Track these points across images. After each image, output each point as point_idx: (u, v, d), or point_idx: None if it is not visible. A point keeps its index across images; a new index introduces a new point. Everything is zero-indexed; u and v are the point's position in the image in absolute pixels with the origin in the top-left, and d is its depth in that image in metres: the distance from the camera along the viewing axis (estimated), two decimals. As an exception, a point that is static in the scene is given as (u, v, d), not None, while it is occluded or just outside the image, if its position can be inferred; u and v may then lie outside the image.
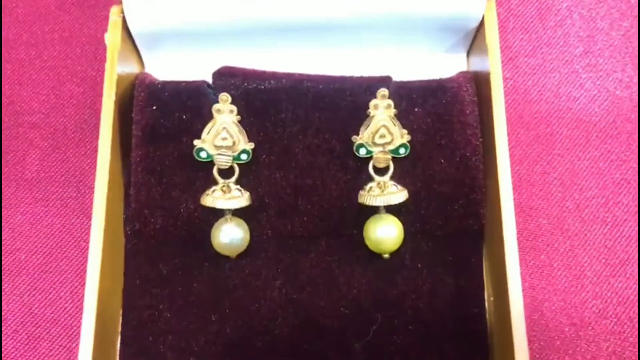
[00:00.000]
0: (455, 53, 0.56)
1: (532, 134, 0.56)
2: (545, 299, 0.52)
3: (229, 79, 0.49)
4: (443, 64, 0.55)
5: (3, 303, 0.52)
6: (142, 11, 0.51)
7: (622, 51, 0.58)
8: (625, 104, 0.56)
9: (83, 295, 0.51)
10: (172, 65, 0.55)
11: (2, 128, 0.57)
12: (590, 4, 0.60)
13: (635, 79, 0.57)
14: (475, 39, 0.54)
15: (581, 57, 0.58)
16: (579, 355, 0.50)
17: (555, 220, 0.54)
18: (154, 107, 0.48)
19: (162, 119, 0.48)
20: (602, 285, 0.52)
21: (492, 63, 0.49)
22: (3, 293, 0.52)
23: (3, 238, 0.54)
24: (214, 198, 0.47)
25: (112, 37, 0.50)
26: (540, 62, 0.58)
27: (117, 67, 0.49)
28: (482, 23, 0.52)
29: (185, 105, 0.48)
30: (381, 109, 0.47)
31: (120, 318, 0.49)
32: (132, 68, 0.54)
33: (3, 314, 0.52)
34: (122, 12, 0.51)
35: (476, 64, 0.54)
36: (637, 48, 0.58)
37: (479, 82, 0.51)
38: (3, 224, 0.54)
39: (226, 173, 0.48)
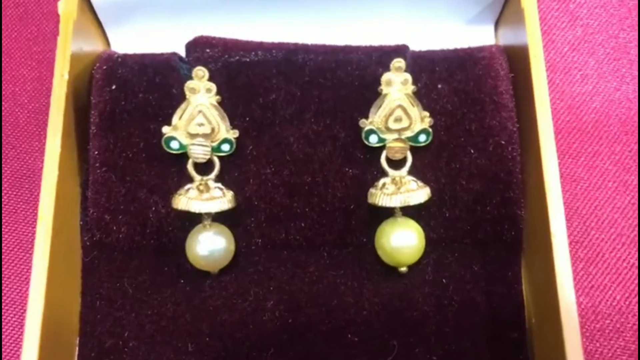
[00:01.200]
0: (481, 24, 0.47)
1: (575, 120, 0.47)
2: (597, 320, 0.42)
3: (206, 50, 0.40)
4: (467, 36, 0.46)
5: None
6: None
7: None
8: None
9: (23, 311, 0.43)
10: (142, 42, 0.46)
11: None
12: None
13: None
14: (505, 7, 0.45)
15: (630, 28, 0.49)
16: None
17: (605, 224, 0.44)
18: (114, 87, 0.40)
19: (123, 100, 0.40)
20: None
21: (529, 31, 0.41)
22: None
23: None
24: (188, 199, 0.38)
25: (67, 6, 0.42)
26: (581, 35, 0.49)
27: (71, 41, 0.41)
28: (514, -14, 0.43)
29: (151, 83, 0.40)
30: (396, 86, 0.38)
31: (77, 349, 0.40)
32: (96, 47, 0.45)
33: None
34: (79, -24, 0.42)
35: (507, 37, 0.45)
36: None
37: (513, 58, 0.43)
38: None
39: (204, 168, 0.39)
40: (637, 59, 0.49)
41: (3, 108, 0.49)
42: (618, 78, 0.48)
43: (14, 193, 0.47)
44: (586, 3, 0.51)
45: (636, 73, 0.48)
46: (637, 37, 0.50)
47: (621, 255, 0.44)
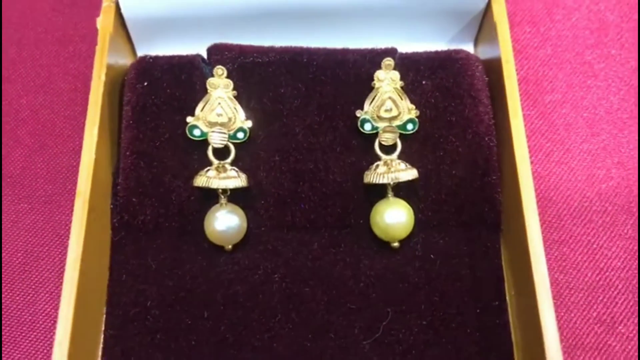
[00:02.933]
0: (462, 43, 0.54)
1: (547, 123, 0.53)
2: (570, 294, 0.47)
3: (225, 53, 0.47)
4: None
5: (-23, 305, 0.48)
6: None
7: (634, 43, 0.56)
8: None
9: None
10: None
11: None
12: None
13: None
14: (481, 25, 0.52)
15: (592, 48, 0.56)
16: (611, 354, 0.45)
17: (575, 211, 0.50)
18: (145, 84, 0.46)
19: (153, 95, 0.46)
20: (631, 280, 0.47)
21: (501, 40, 0.47)
22: (-22, 293, 0.48)
23: (-19, 236, 0.50)
24: (207, 178, 0.43)
25: (104, 21, 0.49)
26: (550, 53, 0.56)
27: (107, 51, 0.47)
28: (489, 7, 0.50)
29: (178, 80, 0.46)
30: (387, 81, 0.44)
31: (104, 317, 0.45)
32: (126, 60, 0.52)
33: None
34: (116, -3, 0.49)
35: (484, 52, 0.51)
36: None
37: (490, 69, 0.49)
38: (-17, 223, 0.51)
39: (221, 154, 0.45)
40: (600, 73, 0.55)
41: (43, 116, 0.55)
42: (584, 88, 0.55)
43: (50, 187, 0.52)
44: (555, 27, 0.58)
45: (600, 83, 0.55)
46: (600, 54, 0.56)
47: (591, 239, 0.49)
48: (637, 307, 0.46)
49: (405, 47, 0.51)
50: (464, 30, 0.53)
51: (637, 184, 0.50)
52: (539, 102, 0.54)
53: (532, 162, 0.51)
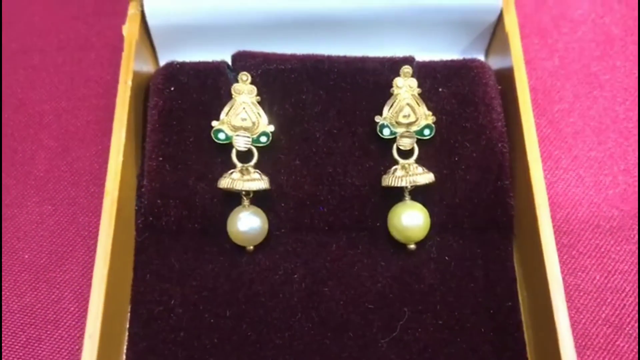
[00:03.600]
0: (474, 53, 0.56)
1: (555, 131, 0.55)
2: (579, 296, 0.49)
3: (249, 60, 0.49)
4: (462, 63, 0.55)
5: (3, 304, 0.49)
6: (161, 5, 0.51)
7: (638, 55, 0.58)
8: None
9: (87, 296, 0.49)
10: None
11: (13, 130, 0.56)
12: (602, 13, 0.61)
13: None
14: (493, 39, 0.54)
15: (598, 59, 0.58)
16: (619, 354, 0.47)
17: (583, 216, 0.52)
18: (172, 89, 0.48)
19: (180, 100, 0.47)
20: (638, 283, 0.49)
21: (513, 49, 0.49)
22: (3, 293, 0.49)
23: (7, 237, 0.52)
24: (232, 179, 0.45)
25: (130, 29, 0.50)
26: (558, 64, 0.58)
27: (133, 57, 0.49)
28: (500, 19, 0.52)
29: (204, 86, 0.48)
30: (405, 88, 0.46)
31: (128, 315, 0.46)
32: (148, 67, 0.54)
33: (5, 314, 0.49)
34: (142, 6, 0.51)
35: (496, 62, 0.53)
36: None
37: (501, 78, 0.51)
38: (7, 223, 0.52)
39: (244, 157, 0.47)
40: (606, 84, 0.57)
41: (66, 121, 0.57)
42: (590, 98, 0.57)
43: (73, 190, 0.54)
44: (562, 39, 0.60)
45: (606, 94, 0.57)
46: (605, 66, 0.58)
47: (598, 242, 0.51)
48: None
49: (420, 56, 0.53)
50: (475, 41, 0.55)
51: (642, 190, 0.52)
52: (547, 111, 0.56)
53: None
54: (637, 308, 0.48)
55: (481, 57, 0.56)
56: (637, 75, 0.57)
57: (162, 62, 0.55)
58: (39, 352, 0.48)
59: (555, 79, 0.58)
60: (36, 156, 0.55)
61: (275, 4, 0.51)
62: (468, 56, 0.55)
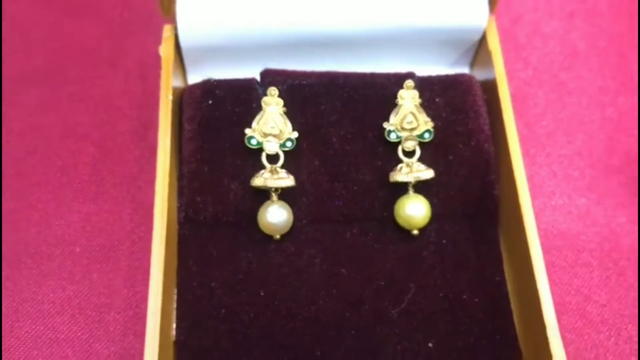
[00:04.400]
0: (460, 67, 0.64)
1: (531, 132, 0.64)
2: (554, 271, 0.58)
3: (276, 77, 0.56)
4: (450, 76, 0.63)
5: (63, 290, 0.56)
6: (193, 29, 0.58)
7: (600, 66, 0.68)
8: (606, 106, 0.65)
9: (135, 281, 0.57)
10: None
11: (55, 139, 0.63)
12: (569, 30, 0.70)
13: (611, 87, 0.67)
14: (477, 53, 0.63)
15: (566, 70, 0.68)
16: (588, 318, 0.56)
17: (556, 206, 0.61)
18: (210, 102, 0.55)
19: (216, 111, 0.55)
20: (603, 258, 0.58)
21: (496, 65, 0.57)
22: (62, 280, 0.57)
23: (61, 234, 0.59)
24: (264, 179, 0.53)
25: (166, 49, 0.58)
26: (532, 75, 0.67)
27: (172, 75, 0.56)
28: (484, 38, 0.61)
29: (237, 99, 0.55)
30: (408, 99, 0.54)
31: (175, 296, 0.54)
32: (178, 83, 0.61)
33: (64, 300, 0.56)
34: (176, 29, 0.59)
35: (480, 75, 0.62)
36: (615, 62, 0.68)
37: (486, 89, 0.59)
38: (60, 221, 0.59)
39: (272, 160, 0.54)
40: (573, 91, 0.67)
41: (104, 131, 0.64)
42: (560, 104, 0.66)
43: (115, 190, 0.60)
44: (535, 53, 0.69)
45: (573, 100, 0.66)
46: (573, 76, 0.68)
47: (569, 225, 0.60)
48: (609, 281, 0.57)
49: (415, 69, 0.61)
50: (462, 56, 0.63)
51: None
52: (524, 115, 0.65)
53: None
54: (603, 279, 0.57)
55: (467, 69, 0.65)
56: (598, 83, 0.67)
57: (189, 78, 0.63)
58: (95, 332, 0.55)
59: (529, 87, 0.67)
60: (79, 162, 0.62)
61: (292, 27, 0.58)
62: (456, 68, 0.64)
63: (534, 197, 0.61)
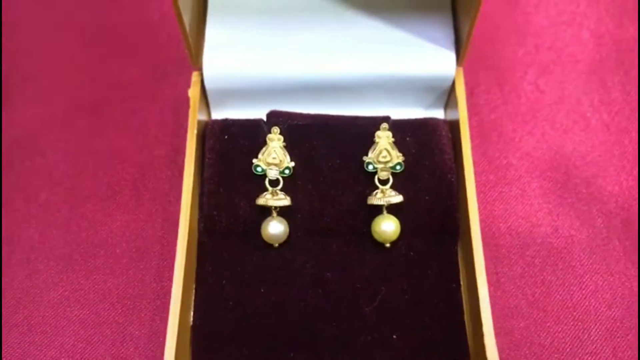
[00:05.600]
0: (435, 109, 0.76)
1: (494, 166, 0.76)
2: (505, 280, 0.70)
3: (279, 118, 0.69)
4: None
5: (106, 283, 0.70)
6: (216, 75, 0.72)
7: (565, 114, 0.79)
8: (565, 146, 0.77)
9: (164, 277, 0.70)
10: (232, 115, 0.75)
11: (103, 160, 0.78)
12: (536, 77, 0.82)
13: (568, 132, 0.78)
14: (449, 99, 0.75)
15: (528, 113, 0.80)
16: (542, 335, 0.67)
17: (511, 228, 0.73)
18: (226, 137, 0.68)
19: (231, 144, 0.68)
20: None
21: (460, 109, 0.70)
22: (104, 275, 0.70)
23: (104, 237, 0.72)
24: (266, 199, 0.66)
25: (194, 91, 0.71)
26: (500, 115, 0.80)
27: (197, 113, 0.70)
28: (453, 85, 0.73)
29: (248, 135, 0.68)
30: (383, 138, 0.67)
31: (194, 291, 0.67)
32: (204, 117, 0.75)
33: (106, 291, 0.70)
34: (202, 75, 0.72)
35: (451, 115, 0.74)
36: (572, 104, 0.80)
37: (453, 128, 0.72)
38: (104, 227, 0.73)
39: (274, 184, 0.67)
40: (509, 127, 0.78)
41: (142, 155, 0.76)
42: (521, 135, 0.78)
43: (150, 204, 0.70)
44: (503, 97, 0.81)
45: (532, 139, 0.78)
46: (510, 110, 0.79)
47: (519, 241, 0.71)
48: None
49: (395, 111, 0.73)
50: (438, 99, 0.76)
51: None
52: (489, 151, 0.77)
53: (482, 191, 0.74)
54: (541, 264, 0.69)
55: (441, 111, 0.77)
56: (548, 131, 0.78)
57: (213, 114, 0.76)
58: (129, 317, 0.68)
59: (498, 125, 0.79)
60: (122, 180, 0.76)
61: (295, 76, 0.70)
62: (431, 110, 0.76)
63: (492, 217, 0.73)
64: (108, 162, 0.74)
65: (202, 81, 0.72)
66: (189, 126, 0.69)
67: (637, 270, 0.70)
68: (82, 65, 0.81)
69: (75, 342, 0.65)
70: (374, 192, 0.64)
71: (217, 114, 0.75)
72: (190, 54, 0.70)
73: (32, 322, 0.68)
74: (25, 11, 0.87)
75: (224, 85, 0.72)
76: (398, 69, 0.71)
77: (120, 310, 0.67)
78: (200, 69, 0.71)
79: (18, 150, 0.77)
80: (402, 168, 0.66)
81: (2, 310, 0.69)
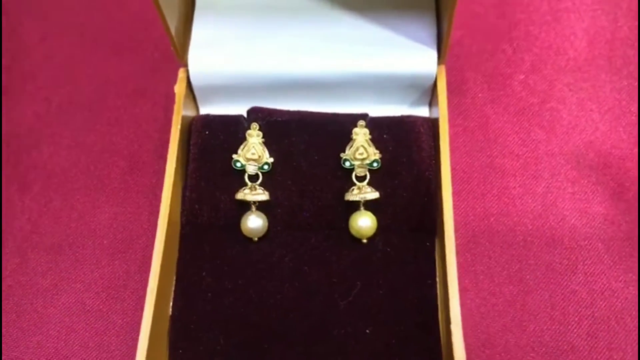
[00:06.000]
0: (420, 107, 0.76)
1: (478, 164, 0.76)
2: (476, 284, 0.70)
3: (258, 114, 0.71)
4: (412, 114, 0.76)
5: (92, 273, 0.72)
6: (202, 72, 0.73)
7: (554, 113, 0.79)
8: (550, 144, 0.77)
9: (149, 270, 0.72)
10: (221, 112, 0.77)
11: (95, 153, 0.80)
12: (526, 75, 0.82)
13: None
14: (432, 96, 0.76)
15: (516, 112, 0.80)
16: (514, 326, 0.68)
17: (492, 227, 0.73)
18: (207, 132, 0.70)
19: (212, 140, 0.70)
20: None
21: (440, 106, 0.70)
22: (91, 265, 0.73)
23: (93, 229, 0.75)
24: (244, 194, 0.67)
25: (180, 87, 0.73)
26: (487, 114, 0.80)
27: (182, 109, 0.72)
28: (435, 82, 0.73)
29: (228, 131, 0.69)
30: (360, 135, 0.68)
31: (174, 281, 0.69)
32: (192, 112, 0.77)
33: (92, 280, 0.72)
34: (187, 71, 0.74)
35: (434, 113, 0.75)
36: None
37: (436, 125, 0.72)
38: (92, 219, 0.75)
39: (253, 179, 0.68)
40: (494, 127, 0.78)
41: (133, 149, 0.79)
42: (507, 133, 0.78)
43: (138, 196, 0.73)
44: (491, 95, 0.81)
45: (495, 135, 0.78)
46: (497, 110, 0.79)
47: (501, 239, 0.71)
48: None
49: (380, 108, 0.73)
50: (421, 97, 0.76)
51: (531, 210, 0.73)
52: (472, 149, 0.77)
53: (464, 189, 0.75)
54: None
55: (426, 108, 0.77)
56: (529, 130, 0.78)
57: (201, 109, 0.78)
58: (113, 306, 0.71)
59: (492, 122, 0.79)
60: (112, 173, 0.78)
61: (278, 73, 0.72)
62: (416, 107, 0.76)
63: (475, 217, 0.73)
64: (99, 155, 0.76)
65: (188, 77, 0.73)
66: (173, 121, 0.70)
67: (617, 269, 0.69)
68: (78, 63, 0.83)
69: (60, 329, 0.68)
70: (351, 189, 0.65)
71: (205, 110, 0.77)
72: (177, 50, 0.72)
73: (21, 309, 0.70)
74: (23, 10, 0.90)
75: (209, 82, 0.73)
76: (380, 66, 0.71)
77: (104, 300, 0.68)
78: (186, 66, 0.73)
79: (15, 144, 0.80)
80: (379, 165, 0.67)
81: (-6, 297, 0.72)
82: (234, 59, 0.70)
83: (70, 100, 0.80)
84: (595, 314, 0.67)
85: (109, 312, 0.68)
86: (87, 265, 0.70)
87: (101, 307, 0.68)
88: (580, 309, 0.68)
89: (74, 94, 0.81)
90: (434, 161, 0.69)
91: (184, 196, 0.68)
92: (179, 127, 0.70)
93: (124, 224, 0.72)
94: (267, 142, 0.67)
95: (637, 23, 0.82)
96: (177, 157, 0.69)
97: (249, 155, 0.68)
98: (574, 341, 0.66)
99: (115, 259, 0.70)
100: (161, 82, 0.80)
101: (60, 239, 0.72)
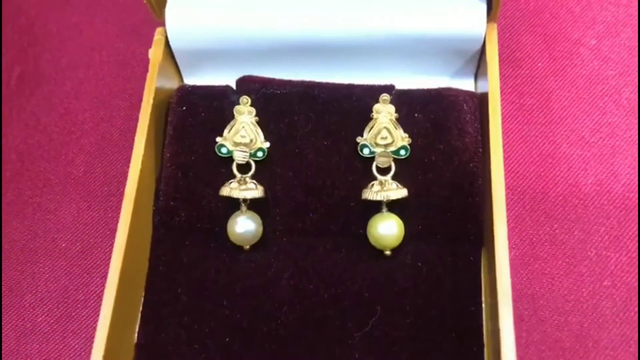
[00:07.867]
0: (463, 78, 0.60)
1: (535, 153, 0.60)
2: (545, 305, 0.54)
3: (250, 85, 0.56)
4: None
5: (43, 284, 0.59)
6: (182, 32, 0.58)
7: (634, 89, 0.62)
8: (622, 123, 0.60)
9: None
10: (207, 81, 0.62)
11: (58, 134, 0.66)
12: (598, 40, 0.65)
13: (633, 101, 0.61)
14: (479, 65, 0.59)
15: (586, 85, 0.62)
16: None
17: (553, 237, 0.56)
18: (184, 108, 0.55)
19: (190, 118, 0.55)
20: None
21: (490, 76, 0.53)
22: (42, 276, 0.59)
23: (49, 227, 0.61)
24: (230, 189, 0.52)
25: (155, 52, 0.58)
26: (547, 88, 0.63)
27: (156, 77, 0.57)
28: (484, 47, 0.57)
29: (211, 107, 0.55)
30: (383, 113, 0.52)
31: (142, 299, 0.54)
32: (173, 84, 0.62)
33: (43, 294, 0.58)
34: (165, 32, 0.59)
35: (481, 87, 0.58)
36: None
37: (484, 102, 0.56)
38: (49, 215, 0.62)
39: (244, 169, 0.54)
40: (558, 105, 0.62)
41: (103, 128, 0.66)
42: (574, 114, 0.61)
43: (106, 189, 0.62)
44: (554, 64, 0.64)
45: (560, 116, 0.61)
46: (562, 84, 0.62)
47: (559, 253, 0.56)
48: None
49: (410, 79, 0.58)
50: (465, 66, 0.60)
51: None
52: (532, 132, 0.61)
53: (514, 186, 0.58)
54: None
55: (471, 80, 0.61)
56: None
57: (186, 80, 0.63)
58: (69, 326, 0.57)
59: (543, 100, 0.62)
60: (76, 159, 0.64)
61: (278, 32, 0.57)
62: (458, 80, 0.60)
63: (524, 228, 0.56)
64: (65, 137, 0.66)
65: (167, 39, 0.58)
66: (144, 94, 0.56)
67: None
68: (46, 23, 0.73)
69: (8, 352, 0.55)
70: (371, 184, 0.53)
71: (190, 81, 0.63)
72: (151, 5, 0.57)
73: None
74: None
75: (192, 45, 0.60)
76: (413, 25, 0.56)
77: (58, 318, 0.56)
78: (164, 25, 0.58)
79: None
80: (408, 153, 0.53)
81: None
82: (222, 14, 0.57)
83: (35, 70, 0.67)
84: None
85: (64, 333, 0.53)
86: (41, 275, 0.56)
87: (55, 327, 0.55)
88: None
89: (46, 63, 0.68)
90: (480, 149, 0.54)
91: (157, 190, 0.57)
92: (151, 101, 0.56)
93: (88, 222, 0.63)
94: (262, 122, 0.55)
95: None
96: (149, 141, 0.54)
97: (237, 139, 0.53)
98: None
99: (74, 267, 0.60)
100: (142, 47, 0.71)
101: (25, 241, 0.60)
